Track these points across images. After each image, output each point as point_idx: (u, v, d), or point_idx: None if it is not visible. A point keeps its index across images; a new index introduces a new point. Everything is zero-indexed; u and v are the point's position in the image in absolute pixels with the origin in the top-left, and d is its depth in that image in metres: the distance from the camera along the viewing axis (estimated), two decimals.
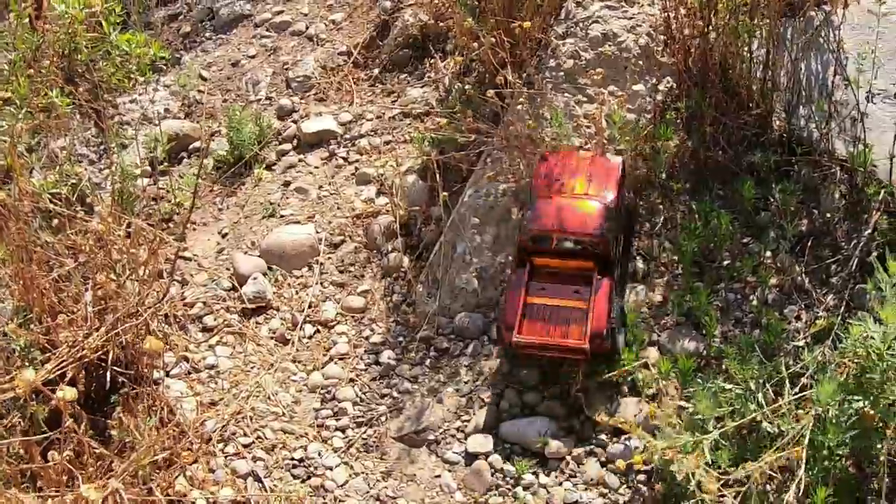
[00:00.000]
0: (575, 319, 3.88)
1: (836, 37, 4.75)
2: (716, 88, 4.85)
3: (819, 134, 4.63)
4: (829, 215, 4.49)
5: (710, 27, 4.80)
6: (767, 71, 4.81)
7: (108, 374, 4.03)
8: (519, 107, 4.86)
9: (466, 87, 5.42)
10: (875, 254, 4.23)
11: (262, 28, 7.18)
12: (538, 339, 3.87)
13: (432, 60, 6.18)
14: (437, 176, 4.63)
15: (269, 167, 5.82)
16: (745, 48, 4.83)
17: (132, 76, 6.40)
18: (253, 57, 6.90)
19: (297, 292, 4.89)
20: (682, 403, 3.87)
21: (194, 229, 5.48)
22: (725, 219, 4.38)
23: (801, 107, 4.85)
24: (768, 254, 4.43)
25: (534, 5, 5.13)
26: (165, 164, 5.86)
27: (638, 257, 4.50)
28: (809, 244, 4.42)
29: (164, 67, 7.06)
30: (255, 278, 4.86)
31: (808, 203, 4.60)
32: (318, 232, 5.16)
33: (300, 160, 5.79)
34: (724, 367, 4.02)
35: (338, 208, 5.31)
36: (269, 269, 5.01)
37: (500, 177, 4.69)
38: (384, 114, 5.92)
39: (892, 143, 4.30)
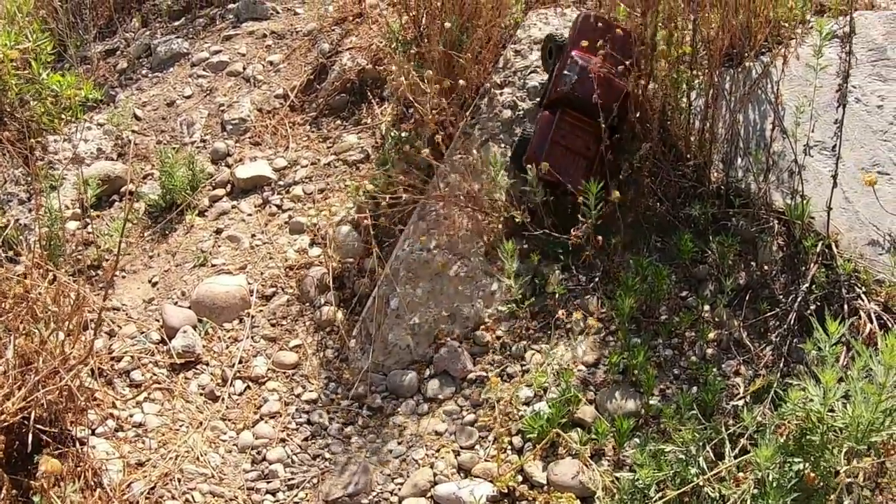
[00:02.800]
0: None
1: (773, 88, 4.61)
2: (654, 140, 4.67)
3: (757, 186, 4.47)
4: (766, 268, 4.32)
5: (650, 78, 4.62)
6: (706, 122, 4.64)
7: (31, 434, 3.76)
8: (455, 157, 4.64)
9: (403, 134, 5.20)
10: (813, 307, 4.06)
11: (199, 67, 6.90)
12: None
13: (369, 106, 5.95)
14: (370, 228, 4.37)
15: (201, 213, 5.54)
16: (684, 99, 4.66)
17: (62, 117, 6.11)
18: (189, 97, 6.62)
19: (227, 346, 4.61)
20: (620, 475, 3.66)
21: (123, 277, 5.18)
22: (663, 274, 4.19)
23: (738, 158, 4.68)
24: (706, 308, 4.23)
25: (473, 53, 4.92)
26: (94, 211, 5.55)
27: (574, 313, 4.28)
28: (747, 298, 4.23)
29: (98, 106, 6.75)
30: (184, 331, 4.58)
31: (746, 255, 4.41)
32: (249, 283, 4.89)
33: (233, 207, 5.51)
34: (662, 426, 3.81)
35: (270, 258, 5.05)
36: (200, 321, 4.72)
37: (434, 231, 4.44)
38: (319, 160, 5.68)
39: (829, 195, 4.14)
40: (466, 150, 4.65)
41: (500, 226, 4.38)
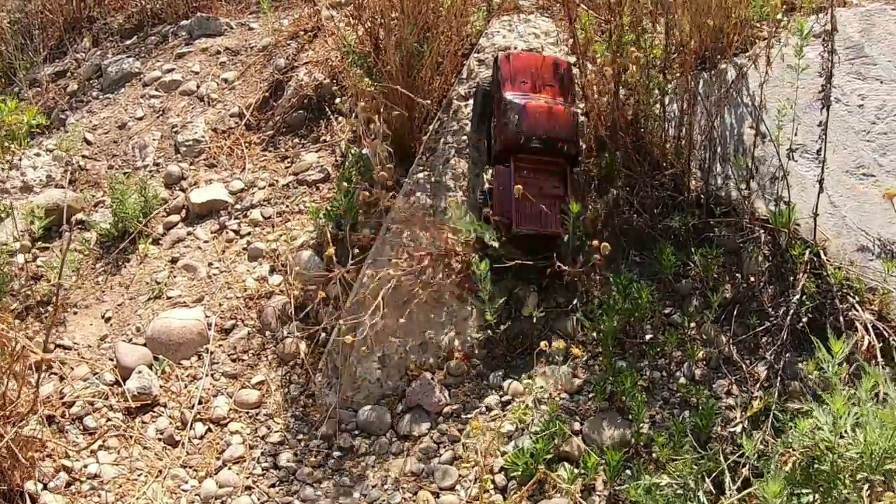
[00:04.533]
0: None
1: (750, 91, 4.24)
2: (628, 149, 4.28)
3: (739, 194, 4.09)
4: (753, 279, 3.95)
5: (620, 84, 4.22)
6: (681, 128, 4.25)
7: None
8: (419, 175, 4.21)
9: (363, 151, 4.76)
10: (805, 319, 3.69)
11: (152, 87, 6.42)
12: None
13: (327, 122, 5.50)
14: (332, 253, 3.91)
15: (155, 241, 5.07)
16: (658, 105, 4.26)
17: (6, 144, 5.60)
18: (141, 119, 6.14)
19: (185, 385, 4.15)
20: None
21: (75, 313, 4.70)
22: (646, 292, 3.79)
23: (717, 165, 4.30)
24: (692, 325, 3.84)
25: (433, 64, 4.49)
26: (44, 242, 5.06)
27: (553, 336, 3.87)
28: (735, 312, 3.85)
29: (47, 131, 6.26)
30: (139, 371, 4.12)
31: (731, 267, 4.04)
32: (207, 316, 4.43)
33: (188, 233, 5.04)
34: (655, 456, 3.41)
35: (228, 288, 4.58)
36: (156, 358, 4.26)
37: (400, 255, 4.00)
38: (277, 181, 5.22)
39: (814, 200, 3.76)
40: (431, 167, 4.22)
41: (470, 245, 3.94)
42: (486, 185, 4.13)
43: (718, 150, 4.34)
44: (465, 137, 4.34)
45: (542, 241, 3.90)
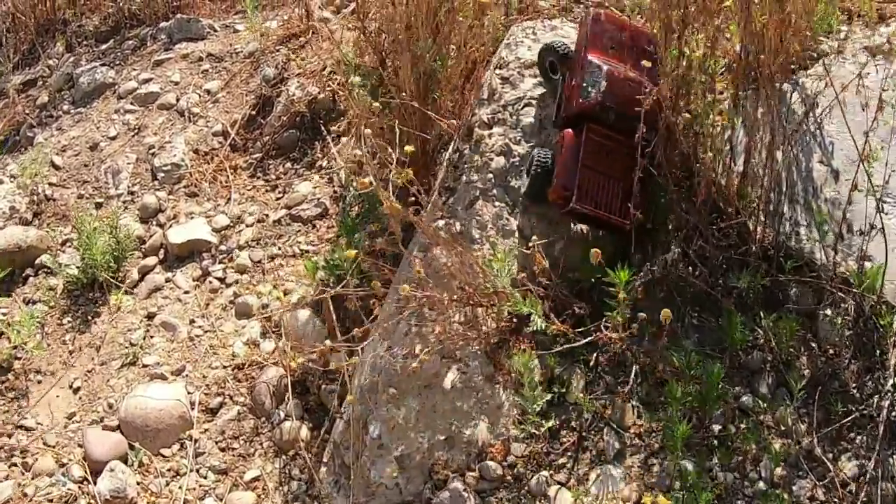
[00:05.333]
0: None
1: (816, 116, 3.54)
2: (681, 190, 3.57)
3: (811, 245, 3.39)
4: (832, 351, 3.25)
5: (680, 108, 3.50)
6: (748, 165, 3.54)
7: None
8: (437, 223, 3.50)
9: (367, 179, 4.02)
10: None
11: (127, 100, 5.67)
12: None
13: (323, 144, 4.77)
14: (335, 317, 3.20)
15: (129, 290, 4.34)
16: (720, 135, 3.55)
17: None
18: (114, 138, 5.40)
19: (167, 483, 3.46)
20: None
21: (39, 381, 4.00)
22: (716, 373, 3.10)
23: (784, 207, 3.59)
24: (765, 409, 3.16)
25: (451, 85, 3.75)
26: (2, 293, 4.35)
27: (605, 427, 3.18)
28: (816, 394, 3.15)
29: (16, 148, 5.52)
30: (111, 470, 3.43)
31: (805, 334, 3.34)
32: (189, 392, 3.72)
33: (167, 280, 4.33)
34: None
35: (214, 354, 3.88)
36: (131, 447, 3.55)
37: (417, 328, 3.29)
38: (267, 215, 4.50)
39: None
40: (451, 212, 3.50)
41: (505, 315, 3.24)
42: (542, 157, 3.49)
43: (784, 187, 3.64)
44: (491, 175, 3.61)
45: (599, 228, 3.46)
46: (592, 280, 3.42)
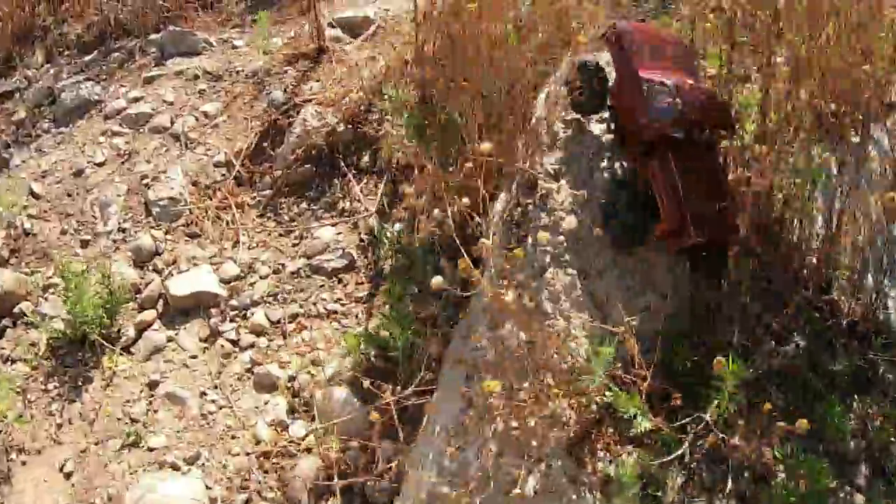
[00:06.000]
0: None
1: None
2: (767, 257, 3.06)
3: None
4: None
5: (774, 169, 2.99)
6: (840, 232, 3.04)
7: None
8: (508, 295, 2.92)
9: (397, 230, 3.45)
10: None
11: (115, 121, 5.04)
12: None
13: (344, 182, 4.18)
14: (378, 419, 2.62)
15: (126, 349, 3.72)
16: (809, 200, 3.05)
17: None
18: (101, 164, 4.76)
19: None
20: None
21: (24, 462, 3.38)
22: (822, 472, 2.60)
23: (868, 277, 3.12)
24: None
25: (511, 128, 3.19)
26: None
27: None
28: None
29: None
30: None
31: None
32: (208, 486, 3.10)
33: (170, 340, 3.73)
34: None
35: (233, 437, 3.29)
36: None
37: (484, 419, 2.72)
38: (284, 265, 3.91)
39: None
40: (518, 282, 2.93)
41: (593, 406, 2.69)
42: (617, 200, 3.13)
43: (868, 256, 3.15)
44: (562, 239, 3.05)
45: (713, 252, 3.10)
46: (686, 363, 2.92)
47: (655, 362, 2.81)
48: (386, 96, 3.57)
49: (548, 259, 3.06)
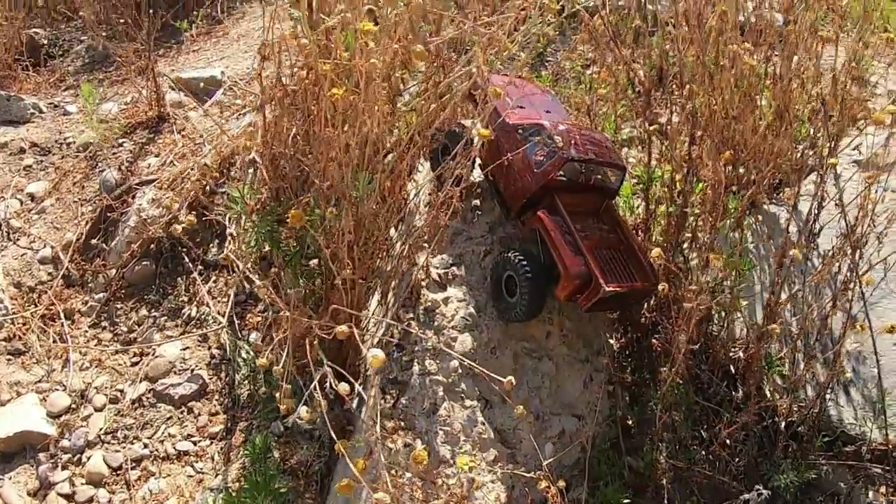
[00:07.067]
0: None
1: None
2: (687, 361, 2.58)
3: (841, 413, 2.53)
4: None
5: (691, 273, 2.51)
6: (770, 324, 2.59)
7: None
8: (396, 444, 2.35)
9: (257, 358, 2.83)
10: None
11: None
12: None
13: (189, 282, 3.50)
14: None
15: None
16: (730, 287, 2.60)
17: None
18: None
19: None
20: None
21: None
22: None
23: (800, 367, 2.71)
24: None
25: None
26: None
27: None
28: None
29: None
30: None
31: None
32: None
33: None
34: None
35: None
36: None
37: None
38: (123, 392, 3.21)
39: None
40: (405, 421, 2.35)
41: None
42: (511, 263, 2.58)
43: (798, 342, 2.72)
44: (455, 364, 2.48)
45: (627, 302, 2.75)
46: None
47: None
48: (226, 194, 2.92)
49: (440, 391, 2.47)
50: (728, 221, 2.67)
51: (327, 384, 1.88)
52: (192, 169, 3.74)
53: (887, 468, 2.56)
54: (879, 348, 2.49)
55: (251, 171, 3.31)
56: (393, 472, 2.12)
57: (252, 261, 2.92)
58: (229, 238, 3.24)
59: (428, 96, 2.65)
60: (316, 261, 2.60)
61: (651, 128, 2.78)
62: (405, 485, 2.18)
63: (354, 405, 2.47)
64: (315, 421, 2.54)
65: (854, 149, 3.03)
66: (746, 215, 2.87)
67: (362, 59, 2.10)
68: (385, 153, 2.56)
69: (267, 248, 2.73)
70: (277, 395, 2.18)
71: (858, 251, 2.34)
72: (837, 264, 2.49)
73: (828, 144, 2.58)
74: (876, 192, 2.37)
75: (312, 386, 2.01)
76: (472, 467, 2.25)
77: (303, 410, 1.91)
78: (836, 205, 2.47)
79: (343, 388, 1.81)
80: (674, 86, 2.89)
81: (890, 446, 2.55)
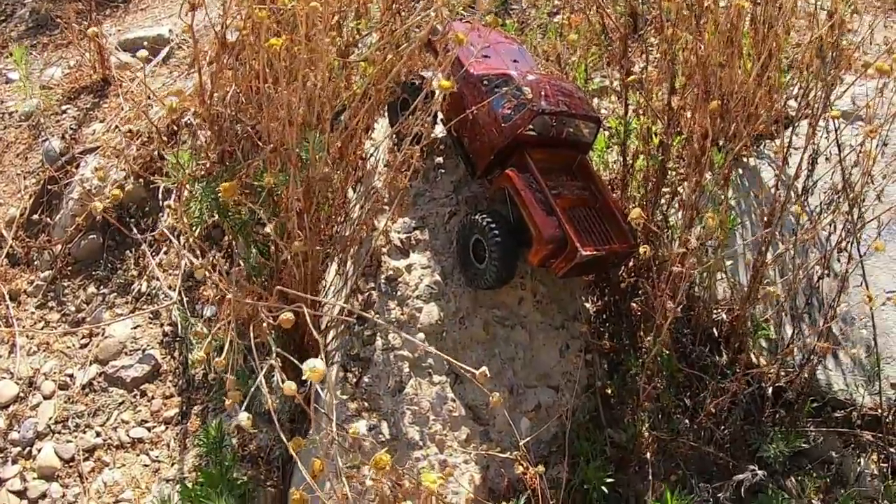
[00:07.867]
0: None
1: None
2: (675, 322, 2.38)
3: (830, 378, 2.34)
4: None
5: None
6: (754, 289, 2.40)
7: None
8: (360, 424, 2.12)
9: (208, 318, 2.61)
10: None
11: None
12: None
13: (138, 254, 3.24)
14: None
15: None
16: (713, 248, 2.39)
17: None
18: None
19: None
20: None
21: None
22: None
23: (786, 326, 2.52)
24: None
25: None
26: None
27: None
28: None
29: None
30: None
31: (836, 490, 2.27)
32: None
33: None
34: None
35: None
36: None
37: None
38: (73, 377, 2.96)
39: None
40: (369, 402, 2.13)
41: None
42: (479, 218, 2.37)
43: (785, 304, 2.53)
44: (422, 336, 2.25)
45: (604, 265, 2.56)
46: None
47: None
48: (168, 163, 2.66)
49: (406, 367, 2.24)
50: (713, 177, 2.45)
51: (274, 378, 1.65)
52: (139, 134, 3.46)
53: (879, 434, 2.38)
54: (867, 309, 2.30)
55: (197, 134, 3.05)
56: (356, 465, 1.90)
57: (198, 232, 2.67)
58: (168, 210, 2.98)
59: (383, 46, 2.39)
60: (270, 227, 2.35)
61: (629, 78, 2.54)
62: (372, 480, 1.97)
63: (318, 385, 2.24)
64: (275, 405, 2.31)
65: (847, 99, 2.81)
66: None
67: (302, 3, 1.84)
68: (337, 110, 2.31)
69: (216, 216, 2.48)
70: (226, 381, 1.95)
71: (857, 209, 2.13)
72: (831, 223, 2.28)
73: (822, 94, 2.36)
74: (876, 147, 2.15)
75: (258, 380, 1.78)
76: (442, 485, 2.04)
77: (243, 417, 1.68)
78: (827, 159, 2.26)
79: (289, 387, 1.57)
80: (651, 30, 2.65)
81: (881, 411, 2.37)
